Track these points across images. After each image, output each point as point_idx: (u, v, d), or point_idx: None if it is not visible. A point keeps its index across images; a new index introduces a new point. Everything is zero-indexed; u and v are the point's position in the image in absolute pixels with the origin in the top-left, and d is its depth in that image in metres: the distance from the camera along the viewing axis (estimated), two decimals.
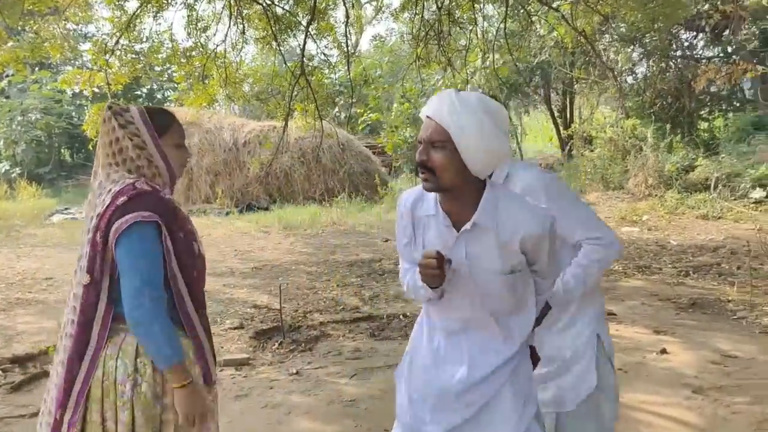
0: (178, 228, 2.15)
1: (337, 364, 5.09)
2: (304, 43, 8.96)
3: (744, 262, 8.17)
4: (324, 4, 9.99)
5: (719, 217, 11.36)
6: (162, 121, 2.25)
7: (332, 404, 4.34)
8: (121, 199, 2.05)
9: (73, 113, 20.66)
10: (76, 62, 19.70)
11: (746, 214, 11.24)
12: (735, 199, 12.11)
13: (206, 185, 14.84)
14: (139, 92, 22.26)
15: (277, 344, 5.51)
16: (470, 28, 10.75)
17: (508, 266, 2.01)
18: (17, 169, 18.35)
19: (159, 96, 23.27)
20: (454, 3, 9.95)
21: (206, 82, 10.38)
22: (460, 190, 1.99)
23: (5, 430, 4.02)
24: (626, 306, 6.50)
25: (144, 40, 10.86)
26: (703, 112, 20.20)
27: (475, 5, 10.32)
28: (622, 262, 8.50)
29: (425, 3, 9.90)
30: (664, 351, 5.10)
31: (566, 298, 2.55)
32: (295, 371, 4.91)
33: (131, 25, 9.35)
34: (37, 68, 19.38)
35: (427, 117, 1.98)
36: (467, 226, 2.00)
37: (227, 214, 13.98)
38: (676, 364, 4.86)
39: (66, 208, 14.80)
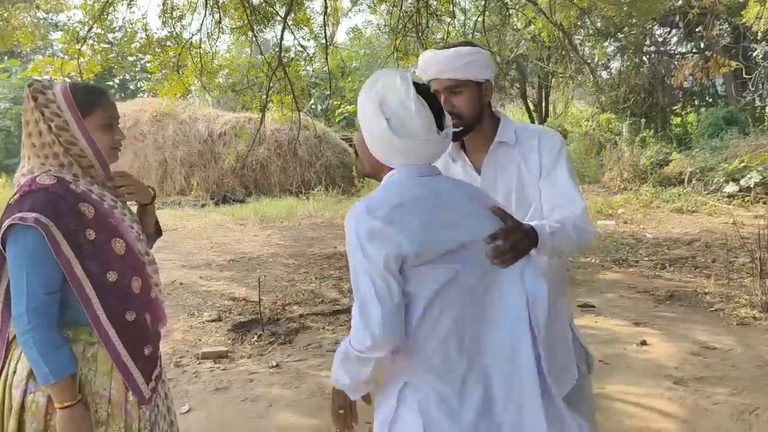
0: (85, 227, 1.93)
1: (318, 357, 5.04)
2: (282, 33, 8.87)
3: (719, 255, 8.26)
4: None
5: (694, 211, 11.48)
6: (87, 99, 2.02)
7: (313, 397, 4.29)
8: (14, 197, 1.91)
9: None
10: (47, 51, 19.36)
11: (720, 208, 11.37)
12: (708, 194, 12.26)
13: (181, 177, 14.66)
14: (111, 82, 21.92)
15: (256, 337, 5.43)
16: (448, 21, 10.72)
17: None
18: None
19: (132, 86, 22.95)
20: None
21: (181, 72, 10.24)
22: (378, 177, 1.90)
23: None
24: (605, 298, 6.52)
25: (117, 29, 10.68)
26: (676, 107, 20.46)
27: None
28: (600, 255, 8.55)
29: None
30: (644, 343, 5.12)
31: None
32: (275, 364, 4.85)
33: (104, 13, 9.18)
34: (6, 57, 19.00)
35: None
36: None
37: (202, 206, 13.83)
38: (656, 355, 4.88)
39: None
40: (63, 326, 1.95)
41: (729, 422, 3.77)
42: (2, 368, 1.99)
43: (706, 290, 6.65)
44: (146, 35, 10.51)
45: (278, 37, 9.86)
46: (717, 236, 9.41)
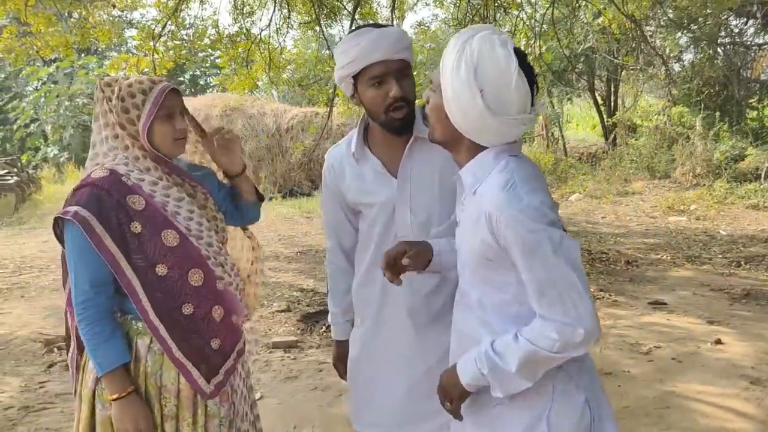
0: (131, 220, 1.94)
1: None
2: (350, 27, 8.92)
3: None
4: None
5: None
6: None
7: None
8: (70, 191, 2.00)
9: None
10: (122, 48, 19.98)
11: None
12: None
13: (249, 170, 14.94)
14: (182, 78, 22.47)
15: (324, 327, 5.52)
16: (516, 13, 10.60)
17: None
18: (65, 153, 18.66)
19: (201, 82, 23.47)
20: None
21: (250, 67, 10.43)
22: (454, 149, 1.72)
23: (64, 407, 4.10)
24: (677, 296, 6.38)
25: (188, 26, 10.95)
26: (752, 100, 19.74)
27: None
28: (671, 251, 8.35)
29: None
30: (718, 341, 5.00)
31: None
32: None
33: (178, 10, 9.42)
34: (83, 54, 19.67)
35: None
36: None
37: (270, 199, 14.08)
38: (732, 354, 4.76)
39: None
40: (133, 319, 2.00)
41: None
42: (80, 353, 2.06)
43: None
44: (216, 31, 10.76)
45: (343, 32, 9.94)
46: None
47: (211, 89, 22.20)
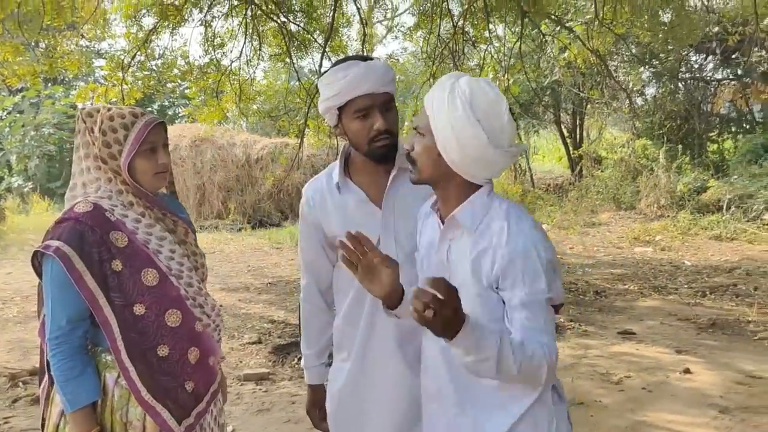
0: (112, 257, 1.92)
1: None
2: (321, 60, 9.00)
3: (761, 283, 8.13)
4: (337, 23, 10.05)
5: (733, 239, 11.31)
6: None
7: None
8: (53, 223, 1.97)
9: None
10: (89, 78, 19.84)
11: (760, 235, 11.18)
12: (748, 221, 12.06)
13: (218, 201, 14.86)
14: (150, 108, 22.38)
15: (296, 359, 5.48)
16: (485, 47, 10.78)
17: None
18: (29, 183, 18.40)
19: (170, 112, 23.38)
20: (468, 22, 9.99)
21: (220, 98, 10.45)
22: (444, 188, 1.77)
23: None
24: (645, 325, 6.46)
25: (158, 56, 10.94)
26: (712, 134, 20.23)
27: (490, 25, 10.38)
28: (638, 282, 8.47)
29: (440, 22, 9.94)
30: (687, 371, 5.07)
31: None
32: None
33: (148, 41, 9.41)
34: (49, 84, 19.50)
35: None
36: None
37: (239, 230, 14.01)
38: (701, 384, 4.83)
39: None
40: (103, 352, 1.98)
41: None
42: (51, 385, 2.01)
43: (749, 319, 6.55)
44: (186, 62, 10.78)
45: (313, 64, 10.03)
46: (758, 264, 9.27)
47: (179, 119, 22.13)
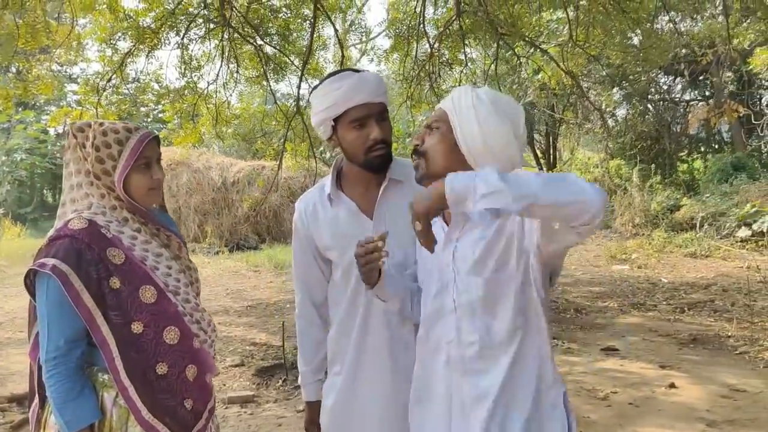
0: (110, 275, 1.88)
1: None
2: (300, 82, 9.02)
3: (737, 299, 8.23)
4: (314, 45, 10.08)
5: (707, 256, 11.46)
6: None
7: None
8: (45, 242, 1.91)
9: (57, 153, 20.56)
10: (61, 102, 19.68)
11: (734, 252, 11.36)
12: (721, 238, 12.26)
13: (195, 225, 14.74)
14: None
15: (281, 381, 5.42)
16: (461, 69, 10.88)
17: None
18: (0, 209, 18.13)
19: None
20: (444, 44, 10.08)
21: (196, 121, 10.40)
22: None
23: None
24: (627, 342, 6.50)
25: (132, 80, 10.89)
26: (682, 153, 20.59)
27: (465, 47, 10.49)
28: (617, 299, 8.53)
29: (417, 44, 10.02)
30: (672, 385, 5.09)
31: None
32: (302, 408, 4.81)
33: (124, 64, 9.36)
34: (20, 108, 19.30)
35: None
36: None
37: (216, 253, 13.89)
38: (686, 398, 4.85)
39: None
40: (99, 371, 1.92)
41: None
42: (42, 408, 1.96)
43: (729, 333, 6.62)
44: (161, 86, 10.73)
45: (290, 87, 10.04)
46: (733, 280, 9.39)
47: None
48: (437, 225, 1.90)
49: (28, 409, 2.06)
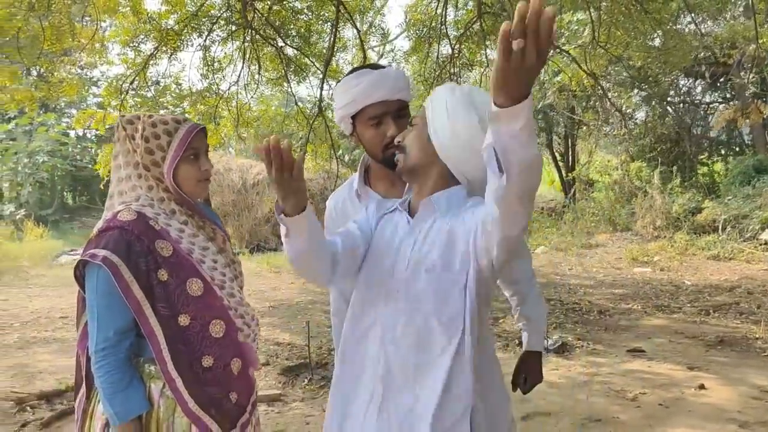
0: (158, 267, 1.88)
1: None
2: (322, 83, 9.05)
3: (763, 301, 8.14)
4: (335, 47, 10.10)
5: (731, 258, 11.35)
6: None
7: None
8: (94, 233, 1.90)
9: (77, 156, 20.71)
10: (82, 105, 19.84)
11: (757, 255, 11.24)
12: (744, 241, 12.13)
13: None
14: None
15: (306, 380, 5.42)
16: (481, 70, 10.88)
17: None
18: (22, 210, 18.28)
19: None
20: (464, 46, 10.08)
21: (218, 122, 10.46)
22: (425, 176, 1.82)
23: None
24: (654, 343, 6.44)
25: (153, 82, 10.97)
26: (702, 156, 20.43)
27: (487, 48, 10.48)
28: (640, 301, 8.47)
29: (438, 46, 10.02)
30: (702, 387, 5.04)
31: None
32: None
33: (146, 66, 9.43)
34: (42, 111, 19.49)
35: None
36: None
37: (237, 254, 13.91)
38: (717, 399, 4.80)
39: (72, 250, 14.70)
40: (146, 362, 1.93)
41: None
42: (89, 397, 1.98)
43: (757, 336, 6.55)
44: (181, 88, 10.81)
45: (311, 88, 10.07)
46: (758, 283, 9.30)
47: None
48: (396, 217, 1.92)
49: (74, 399, 2.07)
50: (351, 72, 2.15)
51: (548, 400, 4.80)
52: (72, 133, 20.73)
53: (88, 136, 21.81)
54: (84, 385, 2.00)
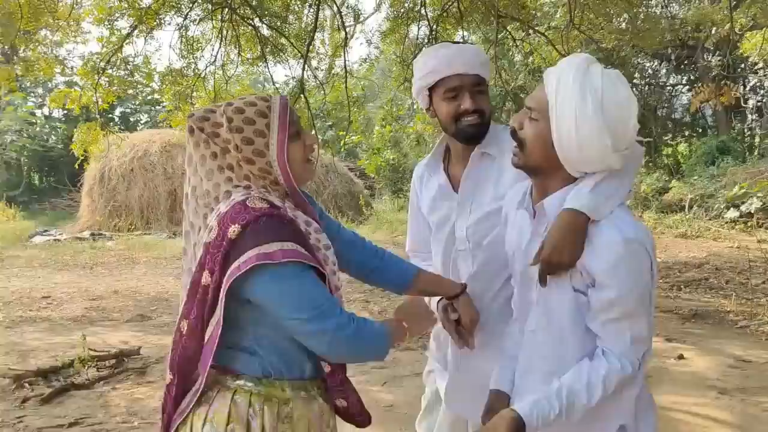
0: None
1: (365, 374, 5.15)
2: (305, 62, 9.09)
3: (731, 277, 8.47)
4: (312, 27, 10.13)
5: (698, 236, 11.73)
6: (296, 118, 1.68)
7: (371, 409, 4.38)
8: (232, 230, 1.52)
9: (45, 136, 20.37)
10: (49, 84, 19.50)
11: (723, 233, 11.64)
12: (710, 219, 12.55)
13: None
14: (112, 115, 22.05)
15: None
16: None
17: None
18: None
19: (132, 119, 23.08)
20: (441, 27, 10.16)
21: (194, 103, 10.42)
22: (547, 177, 1.66)
23: None
24: None
25: (129, 62, 10.87)
26: (667, 137, 20.90)
27: (462, 30, 10.60)
28: None
29: (418, 26, 10.11)
30: (681, 357, 5.29)
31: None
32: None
33: (123, 44, 9.36)
34: (8, 90, 19.09)
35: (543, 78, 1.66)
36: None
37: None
38: (697, 368, 5.05)
39: (45, 230, 14.58)
40: (261, 377, 1.63)
41: None
42: (187, 416, 1.65)
43: (728, 309, 6.84)
44: (159, 67, 10.75)
45: (288, 70, 10.08)
46: (725, 259, 9.66)
47: (142, 126, 21.85)
48: (521, 214, 1.81)
49: (170, 395, 1.70)
50: (433, 46, 2.20)
51: None
52: (39, 113, 20.37)
53: (56, 116, 21.44)
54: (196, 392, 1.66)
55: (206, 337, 1.61)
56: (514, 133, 1.68)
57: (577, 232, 1.56)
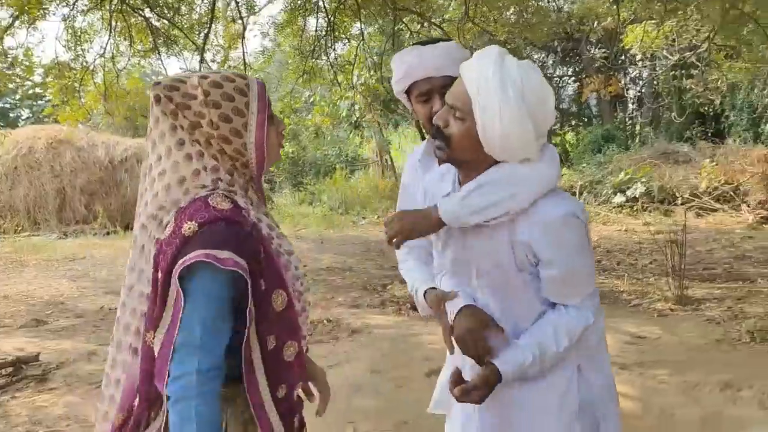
0: (259, 270, 1.46)
1: None
2: (202, 55, 8.89)
3: (621, 258, 8.94)
4: (206, 18, 9.92)
5: (589, 221, 12.26)
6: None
7: None
8: (188, 226, 1.40)
9: None
10: None
11: (612, 217, 12.25)
12: (599, 204, 13.16)
13: (82, 205, 14.10)
14: None
15: None
16: (356, 44, 11.02)
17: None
18: None
19: (12, 114, 21.85)
20: (338, 19, 10.17)
21: (83, 96, 10.01)
22: (474, 167, 1.70)
23: None
24: None
25: (10, 54, 10.32)
26: (555, 127, 21.76)
27: (361, 23, 10.65)
28: None
29: (316, 17, 10.07)
30: None
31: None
32: None
33: (3, 36, 8.88)
34: None
35: (460, 74, 1.67)
36: None
37: (108, 233, 13.41)
38: None
39: None
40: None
41: (678, 397, 4.20)
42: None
43: (621, 289, 7.22)
44: (29, 61, 10.23)
45: (182, 62, 9.87)
46: (615, 242, 10.17)
47: (23, 122, 20.73)
48: (444, 175, 1.89)
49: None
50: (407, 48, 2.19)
51: None
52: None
53: None
54: (148, 414, 1.50)
55: (157, 346, 1.43)
56: (438, 130, 1.70)
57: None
